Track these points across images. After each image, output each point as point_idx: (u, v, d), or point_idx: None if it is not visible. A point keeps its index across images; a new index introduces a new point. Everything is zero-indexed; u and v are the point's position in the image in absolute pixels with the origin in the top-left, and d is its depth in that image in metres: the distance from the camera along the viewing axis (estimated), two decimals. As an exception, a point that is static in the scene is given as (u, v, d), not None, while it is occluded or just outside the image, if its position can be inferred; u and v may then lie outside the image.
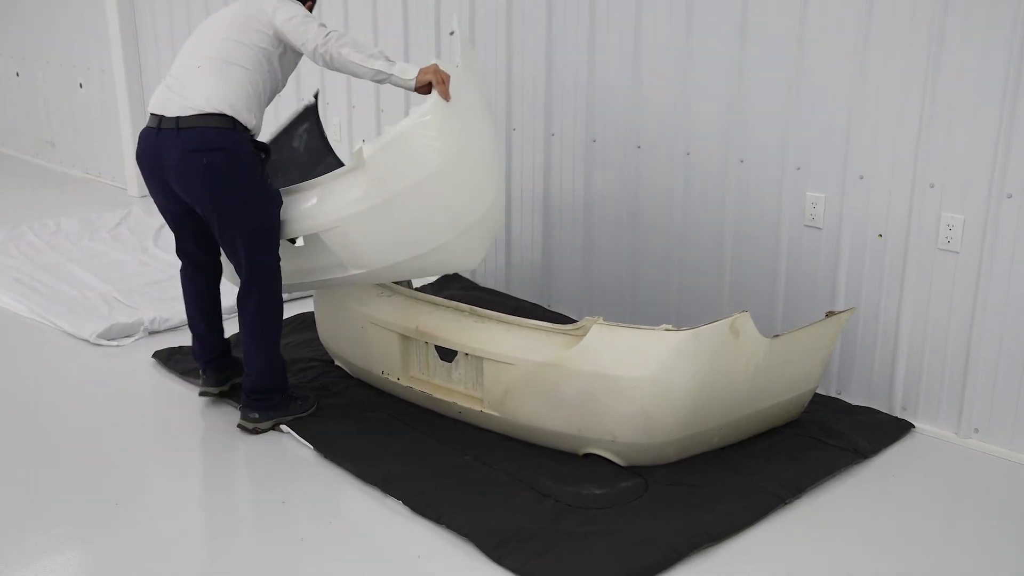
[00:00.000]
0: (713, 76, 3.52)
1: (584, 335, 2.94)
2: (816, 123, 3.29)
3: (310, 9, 3.26)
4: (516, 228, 4.38)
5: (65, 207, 6.27)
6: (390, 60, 2.98)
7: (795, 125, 3.34)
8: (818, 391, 3.35)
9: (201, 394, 3.37)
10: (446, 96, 2.91)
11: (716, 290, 3.68)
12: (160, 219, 5.74)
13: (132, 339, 4.03)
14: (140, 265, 4.97)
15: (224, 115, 2.92)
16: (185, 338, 3.97)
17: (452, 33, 3.24)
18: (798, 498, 2.80)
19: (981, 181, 2.96)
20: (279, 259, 3.07)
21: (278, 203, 3.04)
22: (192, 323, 3.36)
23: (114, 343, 3.98)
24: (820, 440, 3.08)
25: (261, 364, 3.12)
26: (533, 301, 4.35)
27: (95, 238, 5.47)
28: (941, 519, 2.74)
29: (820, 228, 3.36)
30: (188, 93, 2.94)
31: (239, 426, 3.16)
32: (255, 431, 3.15)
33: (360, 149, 2.96)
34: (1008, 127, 2.87)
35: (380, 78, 2.97)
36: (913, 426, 3.24)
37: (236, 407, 3.28)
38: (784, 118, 3.36)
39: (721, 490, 2.80)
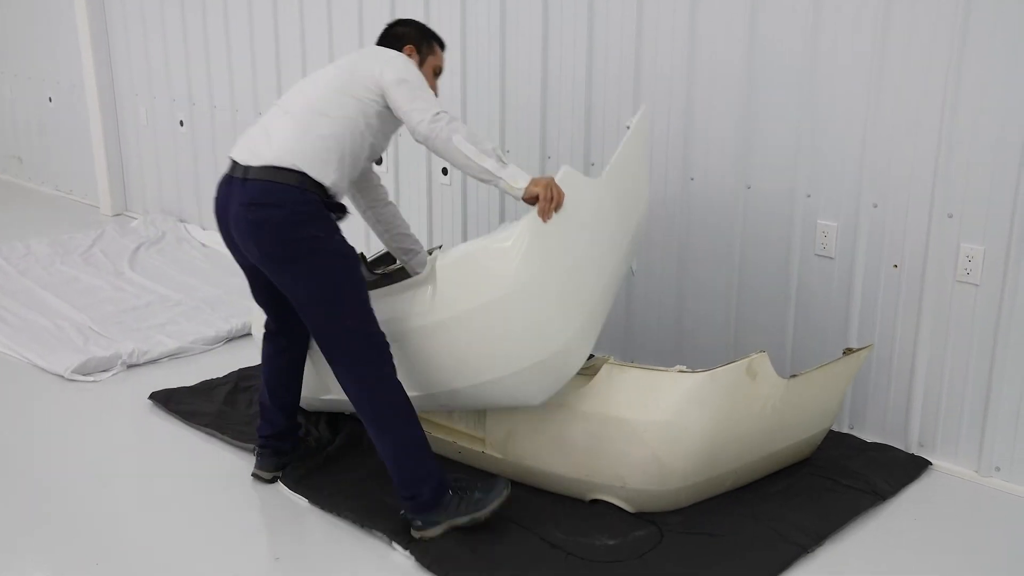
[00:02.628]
0: (719, 98, 3.39)
1: (594, 375, 2.80)
2: (828, 148, 3.17)
3: (435, 74, 2.96)
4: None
5: (34, 226, 6.05)
6: (502, 161, 2.63)
7: (806, 150, 3.22)
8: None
9: (253, 475, 3.03)
10: (544, 217, 2.61)
11: (722, 322, 3.55)
12: (136, 240, 5.59)
13: (109, 374, 3.84)
14: (115, 291, 4.77)
15: (292, 170, 2.62)
16: (171, 373, 3.82)
17: (628, 127, 2.92)
18: (820, 545, 2.67)
19: (1002, 211, 2.85)
20: (373, 328, 2.66)
21: (352, 263, 2.68)
22: (261, 392, 3.03)
23: (90, 378, 3.79)
24: (837, 481, 2.96)
25: (389, 455, 2.68)
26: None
27: (67, 261, 5.26)
28: (966, 564, 2.63)
29: (832, 258, 3.23)
30: (265, 142, 2.70)
31: (411, 534, 2.69)
32: (423, 541, 2.65)
33: (434, 256, 2.75)
34: (1032, 156, 2.76)
35: (486, 177, 2.63)
36: (930, 463, 3.12)
37: (240, 446, 3.15)
38: (794, 143, 3.24)
39: (741, 539, 2.67)
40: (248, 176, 2.67)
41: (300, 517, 2.85)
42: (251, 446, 3.16)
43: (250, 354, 4.01)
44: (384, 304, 2.79)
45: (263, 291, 2.89)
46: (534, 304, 2.63)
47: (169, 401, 3.52)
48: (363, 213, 3.15)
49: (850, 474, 3.00)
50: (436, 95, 2.87)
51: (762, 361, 2.73)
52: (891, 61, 2.98)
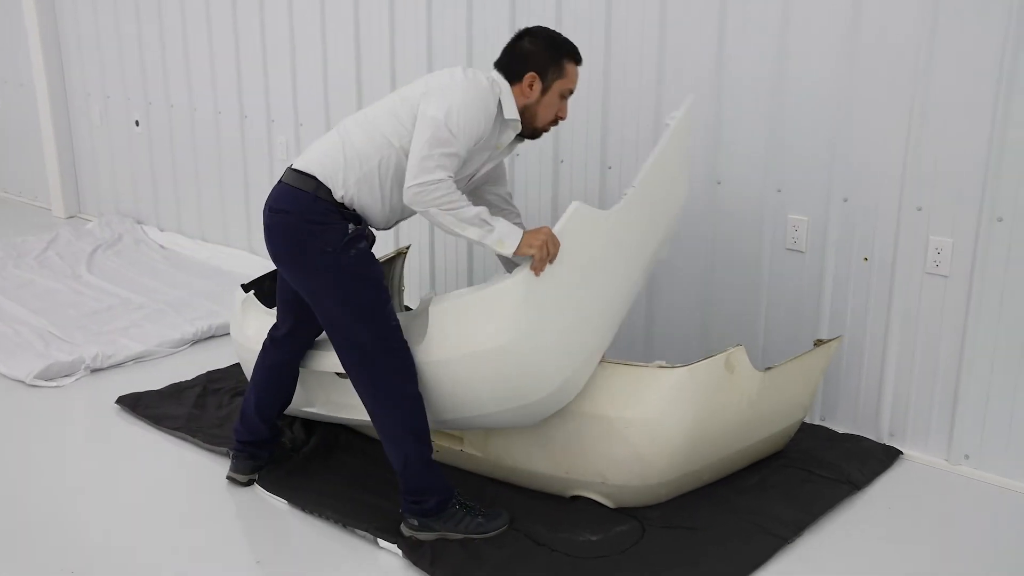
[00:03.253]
0: (687, 93, 3.41)
1: None
2: (798, 144, 3.20)
3: (562, 97, 2.67)
4: (478, 248, 4.22)
5: (-16, 230, 5.90)
6: (487, 224, 2.51)
7: (776, 146, 3.25)
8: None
9: (228, 478, 2.96)
10: (537, 273, 2.53)
11: (693, 316, 3.57)
12: (92, 242, 5.47)
13: (72, 379, 3.75)
14: (74, 294, 4.67)
15: (310, 176, 2.58)
16: (136, 377, 3.74)
17: (668, 124, 2.80)
18: (800, 536, 2.70)
19: (971, 204, 2.91)
20: (394, 344, 2.58)
21: (368, 279, 2.59)
22: (246, 396, 2.94)
23: (53, 383, 3.70)
24: (812, 472, 3.00)
25: (398, 466, 2.64)
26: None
27: (21, 265, 5.13)
28: (940, 551, 2.68)
29: (803, 252, 3.27)
30: (310, 148, 2.69)
31: (400, 529, 2.68)
32: (413, 540, 2.63)
33: (429, 299, 2.68)
34: (998, 149, 2.82)
35: (474, 242, 2.58)
36: (902, 453, 3.17)
37: (212, 450, 3.10)
38: (764, 138, 3.27)
39: (721, 532, 2.69)
40: (281, 179, 2.66)
41: (279, 520, 2.82)
42: (224, 450, 3.11)
43: (217, 356, 3.95)
44: None
45: (286, 289, 2.80)
46: (528, 355, 2.57)
47: (137, 405, 3.45)
48: None
49: (824, 465, 3.04)
50: (564, 117, 2.74)
51: (739, 355, 2.75)
52: (861, 58, 3.02)
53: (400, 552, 2.60)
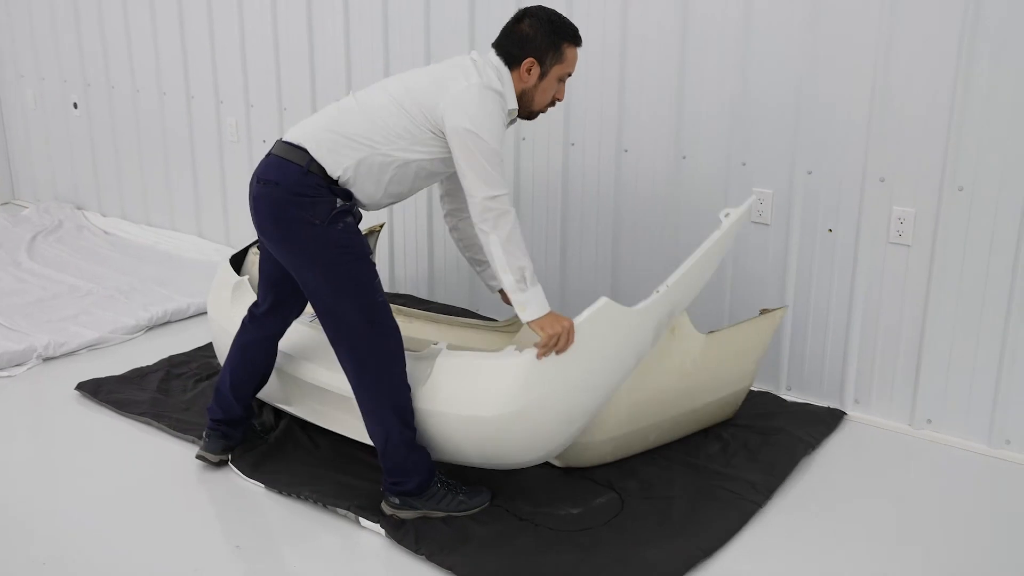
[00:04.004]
0: (652, 68, 3.43)
1: (517, 332, 2.79)
2: (763, 118, 3.24)
3: (559, 80, 2.64)
4: (440, 231, 4.19)
5: (-87, 218, 5.66)
6: (524, 282, 2.49)
7: (740, 120, 3.29)
8: (753, 387, 3.38)
9: (198, 457, 2.90)
10: (539, 356, 2.51)
11: (659, 289, 3.60)
12: (31, 229, 5.29)
13: (25, 367, 3.63)
14: (17, 282, 4.51)
15: (302, 150, 2.53)
16: (92, 365, 3.63)
17: (725, 216, 2.79)
18: (770, 500, 2.76)
19: (932, 174, 2.98)
20: (380, 320, 2.54)
21: (354, 255, 2.53)
22: (221, 375, 2.88)
23: (4, 373, 3.57)
24: (766, 436, 3.06)
25: (379, 440, 2.59)
26: (461, 305, 4.17)
27: (-43, 253, 4.95)
28: (905, 509, 2.76)
29: (768, 224, 3.32)
30: (303, 122, 2.62)
31: (381, 508, 2.65)
32: (395, 519, 2.61)
33: (438, 351, 2.65)
34: (959, 120, 2.88)
35: (501, 285, 2.56)
36: (845, 413, 3.27)
37: (180, 437, 3.05)
38: (729, 112, 3.30)
39: (697, 501, 2.73)
40: (271, 152, 2.60)
41: (256, 504, 2.77)
42: (190, 437, 3.05)
43: (177, 341, 3.87)
44: None
45: (269, 264, 2.74)
46: (526, 427, 2.57)
47: (98, 391, 3.36)
48: (444, 217, 3.00)
49: (776, 430, 3.10)
50: (561, 99, 2.72)
51: (681, 318, 2.79)
52: (823, 29, 3.06)
53: (383, 532, 2.58)
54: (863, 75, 3.02)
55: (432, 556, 2.47)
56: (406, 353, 2.62)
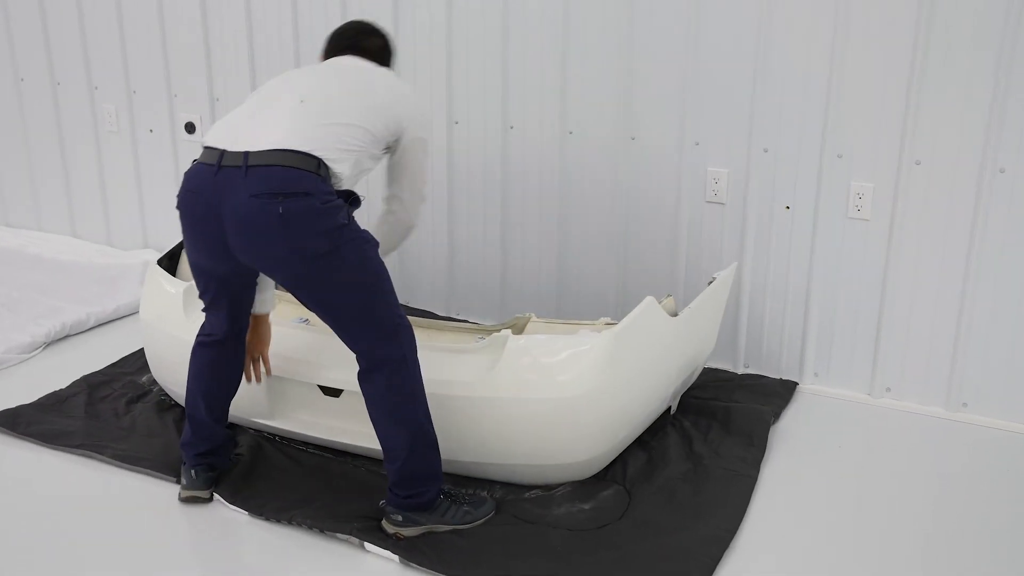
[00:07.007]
0: (597, 45, 3.34)
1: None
2: (716, 96, 3.22)
3: None
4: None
5: None
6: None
7: (692, 99, 3.25)
8: (709, 365, 3.41)
9: (184, 500, 2.61)
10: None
11: (609, 272, 3.54)
12: None
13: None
14: None
15: (309, 155, 2.30)
16: (8, 389, 3.20)
17: (712, 280, 3.00)
18: (759, 471, 2.79)
19: (890, 149, 3.04)
20: (400, 311, 2.43)
21: (376, 246, 2.42)
22: (191, 405, 2.61)
23: None
24: (730, 409, 3.07)
25: (402, 451, 2.40)
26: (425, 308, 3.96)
27: None
28: (868, 476, 2.83)
29: (723, 203, 3.31)
30: (268, 127, 2.33)
31: (381, 528, 2.45)
32: (396, 537, 2.42)
33: (504, 335, 2.61)
34: (916, 94, 2.95)
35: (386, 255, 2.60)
36: (797, 384, 3.34)
37: (128, 468, 2.73)
38: (680, 91, 3.26)
39: (698, 483, 2.71)
40: (250, 163, 2.28)
41: (242, 533, 2.50)
42: (140, 469, 2.73)
43: (82, 358, 3.48)
44: (429, 361, 2.54)
45: (230, 302, 2.51)
46: (596, 410, 2.59)
47: (16, 423, 2.95)
48: (385, 199, 2.82)
49: (737, 402, 3.13)
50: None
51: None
52: (779, 5, 3.06)
53: (396, 557, 2.38)
54: (820, 50, 3.04)
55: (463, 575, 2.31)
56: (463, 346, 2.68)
